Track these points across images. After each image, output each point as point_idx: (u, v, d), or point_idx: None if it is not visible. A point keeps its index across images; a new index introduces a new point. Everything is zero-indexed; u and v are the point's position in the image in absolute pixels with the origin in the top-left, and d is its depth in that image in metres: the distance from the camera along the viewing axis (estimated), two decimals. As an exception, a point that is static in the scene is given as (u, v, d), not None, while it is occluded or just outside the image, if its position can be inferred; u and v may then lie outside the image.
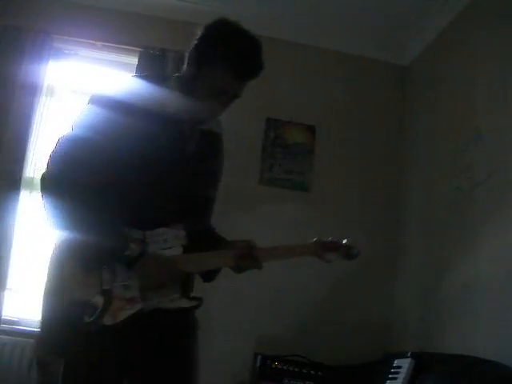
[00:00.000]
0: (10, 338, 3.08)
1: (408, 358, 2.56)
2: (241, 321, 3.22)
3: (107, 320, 1.41)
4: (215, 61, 1.50)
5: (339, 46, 3.76)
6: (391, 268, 3.49)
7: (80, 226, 1.43)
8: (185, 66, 1.59)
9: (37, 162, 3.38)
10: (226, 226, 1.80)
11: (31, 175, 3.34)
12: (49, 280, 1.51)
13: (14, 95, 3.28)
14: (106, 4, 3.55)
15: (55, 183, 1.45)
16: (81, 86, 3.64)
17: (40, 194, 1.47)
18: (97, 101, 1.55)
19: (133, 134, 1.47)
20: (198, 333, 1.63)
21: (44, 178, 1.47)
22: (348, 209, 3.56)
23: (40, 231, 3.41)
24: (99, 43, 3.56)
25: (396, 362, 2.64)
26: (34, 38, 3.37)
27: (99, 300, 1.42)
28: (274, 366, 2.98)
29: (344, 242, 1.69)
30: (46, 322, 1.50)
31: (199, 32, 1.55)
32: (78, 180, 1.43)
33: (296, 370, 2.99)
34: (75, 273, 1.44)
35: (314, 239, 1.67)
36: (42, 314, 1.50)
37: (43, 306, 1.51)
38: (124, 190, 1.47)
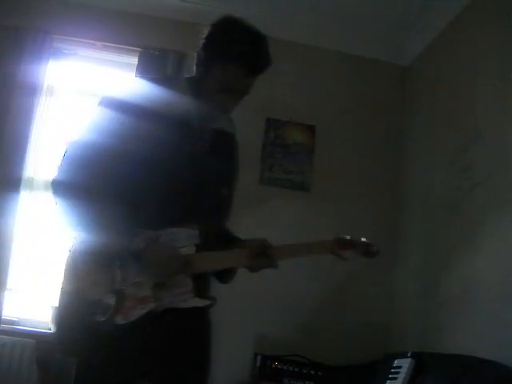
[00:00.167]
0: (9, 338, 3.08)
1: (408, 357, 2.56)
2: (241, 321, 3.22)
3: (119, 319, 1.41)
4: (223, 57, 1.51)
5: (339, 46, 3.75)
6: (391, 268, 3.49)
7: (90, 226, 1.44)
8: (194, 67, 1.59)
9: (37, 161, 3.38)
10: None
11: (31, 175, 3.33)
12: (64, 280, 1.50)
13: (13, 95, 3.28)
14: (106, 4, 3.55)
15: (66, 187, 1.47)
16: (81, 86, 3.64)
17: (52, 196, 1.49)
18: (107, 103, 1.57)
19: (144, 136, 1.48)
20: (211, 333, 1.62)
21: (56, 182, 1.49)
22: (348, 209, 3.56)
23: (40, 231, 3.42)
24: (99, 43, 3.56)
25: (396, 362, 2.64)
26: (34, 37, 3.37)
27: (111, 299, 1.42)
28: (274, 366, 2.98)
29: (363, 239, 1.66)
30: (62, 321, 1.51)
31: (206, 31, 1.55)
32: (89, 183, 1.44)
33: (296, 369, 2.99)
34: (88, 272, 1.45)
35: (333, 236, 1.64)
36: (58, 314, 1.52)
37: (59, 306, 1.52)
38: (136, 190, 1.48)
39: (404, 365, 2.56)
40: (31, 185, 3.34)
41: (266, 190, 3.49)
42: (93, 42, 3.55)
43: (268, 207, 3.39)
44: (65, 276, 1.49)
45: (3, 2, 3.44)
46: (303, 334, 3.27)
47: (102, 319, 1.40)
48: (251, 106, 3.11)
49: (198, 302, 1.50)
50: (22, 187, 3.22)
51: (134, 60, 3.51)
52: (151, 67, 3.45)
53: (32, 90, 3.32)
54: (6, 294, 3.15)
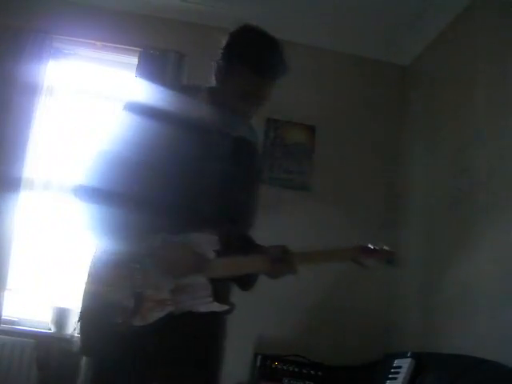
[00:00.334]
0: (9, 338, 3.08)
1: (408, 358, 2.56)
2: (241, 321, 3.21)
3: (137, 321, 1.43)
4: (241, 65, 1.54)
5: (339, 46, 3.75)
6: (391, 268, 3.48)
7: (113, 231, 1.47)
8: (213, 76, 1.63)
9: (37, 161, 3.38)
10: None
11: (31, 175, 3.33)
12: (86, 282, 1.54)
13: (13, 95, 3.28)
14: (106, 4, 3.55)
15: (90, 192, 1.51)
16: (81, 86, 3.64)
17: (75, 200, 1.54)
18: (131, 107, 1.61)
19: (166, 142, 1.51)
20: (223, 339, 1.63)
21: (80, 187, 1.54)
22: (348, 209, 3.56)
23: (39, 231, 3.42)
24: (99, 43, 3.56)
25: (396, 362, 2.64)
26: (34, 37, 3.37)
27: (130, 301, 1.44)
28: (273, 366, 2.99)
29: (385, 247, 1.64)
30: (83, 323, 1.54)
31: (224, 40, 1.60)
32: (112, 188, 1.48)
33: (296, 370, 2.99)
34: (108, 275, 1.47)
35: (354, 244, 1.63)
36: (80, 316, 1.55)
37: (81, 308, 1.55)
38: (158, 196, 1.50)
39: (404, 365, 2.56)
40: (31, 185, 3.34)
41: (266, 190, 3.48)
42: (93, 42, 3.55)
43: (268, 207, 3.39)
44: (87, 278, 1.53)
45: (3, 2, 3.44)
46: (303, 334, 3.27)
47: (121, 320, 1.42)
48: (251, 106, 3.14)
49: (216, 307, 1.51)
50: (21, 187, 3.22)
51: (134, 60, 3.51)
52: (151, 67, 3.45)
53: (32, 90, 3.32)
54: (6, 294, 3.15)
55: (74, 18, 3.49)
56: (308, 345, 3.19)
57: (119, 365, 1.47)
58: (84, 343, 1.55)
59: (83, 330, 1.54)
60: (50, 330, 3.23)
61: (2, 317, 3.12)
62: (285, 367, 2.99)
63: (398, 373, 2.57)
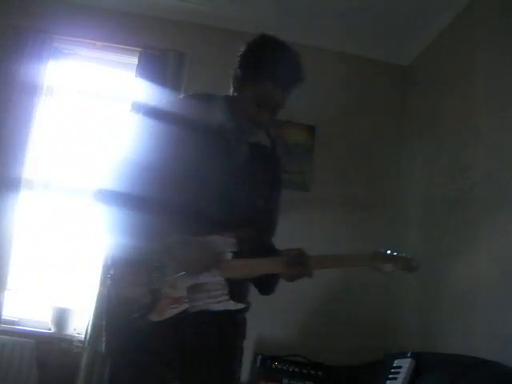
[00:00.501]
0: (9, 338, 3.08)
1: (408, 358, 2.56)
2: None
3: (154, 316, 1.48)
4: (257, 74, 1.59)
5: (339, 46, 3.75)
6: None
7: (133, 233, 1.51)
8: (230, 84, 1.67)
9: (37, 162, 3.38)
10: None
11: (31, 175, 3.33)
12: (104, 281, 1.58)
13: (13, 95, 3.28)
14: (106, 4, 3.55)
15: (110, 196, 1.54)
16: (81, 86, 3.64)
17: (96, 204, 1.57)
18: (150, 113, 1.66)
19: (184, 148, 1.56)
20: (241, 336, 1.67)
21: (101, 191, 1.57)
22: (348, 209, 3.56)
23: (39, 231, 3.42)
24: (99, 43, 3.55)
25: (396, 362, 2.64)
26: (34, 37, 3.37)
27: (147, 297, 1.49)
28: (274, 366, 2.98)
29: (403, 254, 1.65)
30: (107, 321, 1.59)
31: (241, 49, 1.64)
32: (132, 192, 1.52)
33: (296, 370, 2.99)
34: (126, 272, 1.52)
35: (373, 251, 1.63)
36: (104, 315, 1.61)
37: (104, 308, 1.62)
38: (177, 200, 1.54)
39: (404, 365, 2.55)
40: (31, 185, 3.34)
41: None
42: (93, 42, 3.55)
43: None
44: (108, 278, 1.58)
45: (3, 2, 3.43)
46: (303, 334, 3.27)
47: (137, 315, 1.47)
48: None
49: (232, 305, 1.54)
50: (21, 187, 3.22)
51: (134, 60, 3.51)
52: (151, 67, 3.45)
53: (32, 90, 3.32)
54: (6, 294, 3.15)
55: (73, 18, 3.48)
56: (308, 345, 3.19)
57: (137, 362, 1.50)
58: (108, 344, 1.58)
59: (107, 330, 1.58)
60: (49, 329, 3.23)
61: (2, 317, 3.12)
62: (285, 367, 2.98)
63: (398, 373, 2.56)
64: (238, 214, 1.61)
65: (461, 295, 2.75)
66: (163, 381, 1.58)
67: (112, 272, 1.55)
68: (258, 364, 2.98)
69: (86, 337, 3.10)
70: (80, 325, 3.23)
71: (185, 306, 1.50)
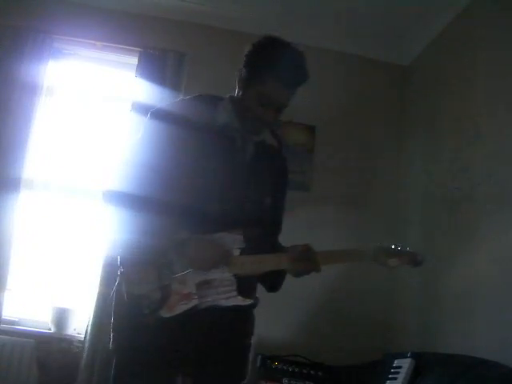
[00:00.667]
0: (9, 338, 3.08)
1: (408, 358, 2.56)
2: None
3: (164, 312, 1.51)
4: (263, 73, 1.61)
5: (339, 46, 3.75)
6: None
7: (141, 232, 1.52)
8: (236, 84, 1.69)
9: (37, 162, 3.38)
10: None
11: (31, 175, 3.33)
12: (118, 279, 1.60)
13: (13, 95, 3.28)
14: (106, 4, 3.55)
15: (117, 196, 1.57)
16: (81, 86, 3.64)
17: (103, 204, 1.59)
18: (157, 115, 1.68)
19: (191, 148, 1.59)
20: (250, 331, 1.71)
21: (109, 191, 1.59)
22: (348, 209, 3.56)
23: (39, 231, 3.42)
24: (99, 43, 3.55)
25: (396, 362, 2.64)
26: (34, 38, 3.37)
27: (157, 293, 1.51)
28: (274, 366, 2.98)
29: (408, 249, 1.66)
30: (115, 318, 1.60)
31: (246, 50, 1.67)
32: (141, 192, 1.54)
33: (296, 370, 2.99)
34: (136, 270, 1.53)
35: (378, 245, 1.65)
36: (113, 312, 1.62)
37: (114, 305, 1.62)
38: (185, 199, 1.56)
39: (404, 365, 2.56)
40: (31, 185, 3.34)
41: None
42: (93, 42, 3.55)
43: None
44: (119, 277, 1.59)
45: (3, 2, 3.43)
46: (303, 334, 3.27)
47: (147, 311, 1.49)
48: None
49: (240, 301, 1.57)
50: (21, 187, 3.22)
51: (134, 60, 3.51)
52: (151, 67, 3.45)
53: (32, 90, 3.32)
54: (6, 294, 3.15)
55: (74, 18, 3.49)
56: (308, 345, 3.19)
57: (146, 358, 1.52)
58: (116, 341, 1.59)
59: (116, 327, 1.59)
60: (49, 330, 3.23)
61: (2, 317, 3.12)
62: (285, 367, 2.98)
63: (397, 373, 2.56)
64: (245, 212, 1.64)
65: (461, 295, 2.75)
66: (173, 377, 1.60)
67: (121, 270, 1.56)
68: (258, 364, 2.98)
69: (85, 337, 3.10)
70: (80, 325, 3.23)
71: (194, 303, 1.53)
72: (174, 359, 1.56)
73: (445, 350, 2.63)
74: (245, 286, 1.59)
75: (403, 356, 2.62)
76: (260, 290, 1.74)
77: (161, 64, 3.47)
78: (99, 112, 3.63)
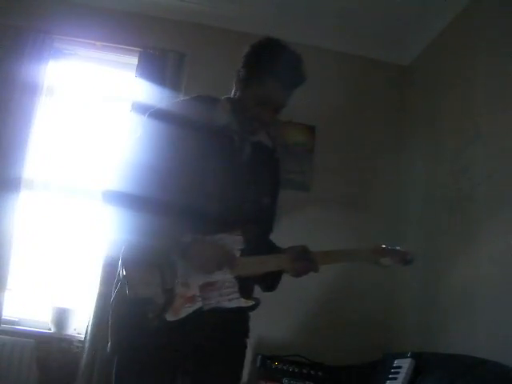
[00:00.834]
0: (9, 338, 3.08)
1: (408, 358, 2.56)
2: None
3: (170, 316, 1.51)
4: (261, 74, 1.63)
5: (339, 46, 3.75)
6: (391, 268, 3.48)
7: (142, 233, 1.52)
8: (233, 85, 1.71)
9: (37, 162, 3.38)
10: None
11: (31, 175, 3.33)
12: (119, 280, 1.61)
13: (14, 95, 3.28)
14: (106, 4, 3.55)
15: (117, 196, 1.56)
16: (81, 86, 3.64)
17: (103, 204, 1.59)
18: (156, 115, 1.69)
19: (190, 149, 1.60)
20: (246, 336, 1.72)
21: (108, 191, 1.59)
22: (348, 209, 3.56)
23: (39, 231, 3.42)
24: (99, 43, 3.55)
25: (396, 362, 2.64)
26: (34, 37, 3.37)
27: (162, 297, 1.51)
28: (274, 366, 2.98)
29: (398, 248, 1.72)
30: (116, 321, 1.61)
31: (245, 51, 1.69)
32: (140, 192, 1.54)
33: (296, 370, 2.99)
34: (139, 273, 1.53)
35: (374, 245, 1.70)
36: (113, 315, 1.62)
37: (114, 306, 1.63)
38: (184, 199, 1.57)
39: (404, 365, 2.56)
40: (31, 185, 3.34)
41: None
42: (93, 42, 3.55)
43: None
44: (122, 279, 1.58)
45: (3, 2, 3.43)
46: (303, 334, 3.27)
47: (151, 315, 1.49)
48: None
49: (243, 303, 1.58)
50: (21, 187, 3.22)
51: (134, 60, 3.51)
52: (151, 67, 3.45)
53: (32, 90, 3.32)
54: (6, 294, 3.15)
55: (74, 18, 3.48)
56: (308, 345, 3.19)
57: (148, 360, 1.53)
58: (116, 343, 1.60)
59: (114, 328, 1.60)
60: (49, 330, 3.23)
61: (2, 317, 3.12)
62: (285, 367, 2.98)
63: (397, 373, 2.56)
64: (244, 212, 1.65)
65: (461, 295, 2.75)
66: (172, 376, 1.61)
67: (124, 272, 1.56)
68: (258, 364, 2.98)
69: (85, 337, 3.10)
70: (80, 325, 3.23)
71: (198, 305, 1.53)
72: (173, 359, 1.57)
73: (445, 350, 2.63)
74: (244, 287, 1.60)
75: (403, 356, 2.62)
76: (258, 290, 1.75)
77: (161, 64, 3.47)
78: (99, 112, 3.63)
